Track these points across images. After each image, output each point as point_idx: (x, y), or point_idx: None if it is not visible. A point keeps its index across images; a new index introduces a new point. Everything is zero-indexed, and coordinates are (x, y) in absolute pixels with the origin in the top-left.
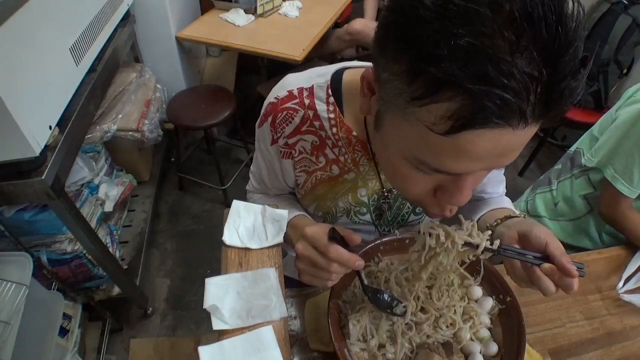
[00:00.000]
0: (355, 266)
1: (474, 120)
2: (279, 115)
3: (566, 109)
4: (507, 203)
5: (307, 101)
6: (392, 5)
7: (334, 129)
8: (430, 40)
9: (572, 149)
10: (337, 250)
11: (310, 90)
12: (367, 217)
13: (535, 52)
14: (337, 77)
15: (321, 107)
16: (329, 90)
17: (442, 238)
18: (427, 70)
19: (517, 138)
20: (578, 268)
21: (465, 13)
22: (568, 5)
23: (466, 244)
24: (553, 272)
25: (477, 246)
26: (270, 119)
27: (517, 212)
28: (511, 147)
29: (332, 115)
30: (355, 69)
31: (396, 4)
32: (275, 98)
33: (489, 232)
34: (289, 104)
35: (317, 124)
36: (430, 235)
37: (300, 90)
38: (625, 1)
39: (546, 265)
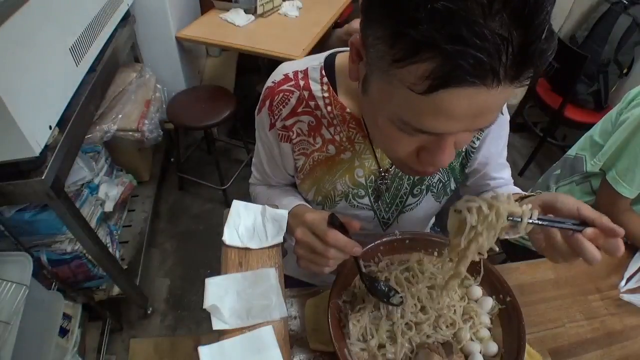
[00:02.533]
0: (352, 252)
1: (450, 78)
2: (276, 97)
3: (538, 70)
4: (516, 190)
5: (302, 82)
6: None
7: (329, 108)
8: (410, 5)
9: (572, 153)
10: (336, 236)
11: (305, 72)
12: (366, 200)
13: (507, 16)
14: (330, 59)
15: (315, 87)
16: (323, 71)
17: (486, 210)
18: (407, 33)
19: (492, 98)
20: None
21: None
22: None
23: (509, 217)
24: (597, 237)
25: (520, 219)
26: (267, 102)
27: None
28: (487, 107)
29: (326, 94)
30: (348, 52)
31: None
32: (272, 82)
33: (530, 205)
34: (285, 86)
35: (312, 104)
36: (469, 210)
37: (295, 73)
38: (625, 1)
39: (589, 230)
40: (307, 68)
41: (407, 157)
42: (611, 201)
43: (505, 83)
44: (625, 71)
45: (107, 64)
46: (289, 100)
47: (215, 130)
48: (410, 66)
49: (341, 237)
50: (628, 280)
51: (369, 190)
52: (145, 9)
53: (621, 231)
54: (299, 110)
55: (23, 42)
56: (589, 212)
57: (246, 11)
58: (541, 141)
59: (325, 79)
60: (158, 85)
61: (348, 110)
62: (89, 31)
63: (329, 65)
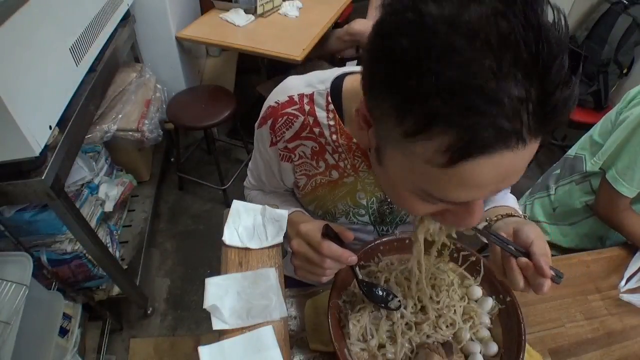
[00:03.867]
0: (348, 261)
1: (470, 150)
2: (279, 119)
3: (564, 118)
4: (511, 201)
5: (307, 107)
6: (372, 49)
7: (334, 136)
8: (414, 77)
9: (572, 153)
10: (330, 247)
11: (311, 97)
12: (366, 218)
13: (520, 74)
14: (337, 83)
15: (321, 114)
16: (329, 98)
17: None
18: (414, 109)
19: (518, 158)
20: (556, 275)
21: (443, 48)
22: (547, 17)
23: None
24: (528, 268)
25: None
26: (269, 122)
27: (520, 212)
28: (514, 168)
29: (332, 123)
30: (356, 75)
31: (375, 47)
32: (276, 102)
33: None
34: (289, 110)
35: (317, 130)
36: None
37: (301, 96)
38: (625, 1)
39: (523, 259)
40: (313, 92)
41: (433, 217)
42: (611, 200)
43: (531, 140)
44: (625, 71)
45: (107, 64)
46: (292, 124)
47: (215, 130)
48: (424, 142)
49: (336, 248)
50: (628, 280)
51: (370, 211)
52: (145, 9)
53: (548, 274)
54: (303, 134)
55: (23, 42)
56: (536, 248)
57: (246, 11)
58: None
59: (331, 106)
60: (158, 85)
61: (354, 140)
62: (89, 31)
63: (335, 91)
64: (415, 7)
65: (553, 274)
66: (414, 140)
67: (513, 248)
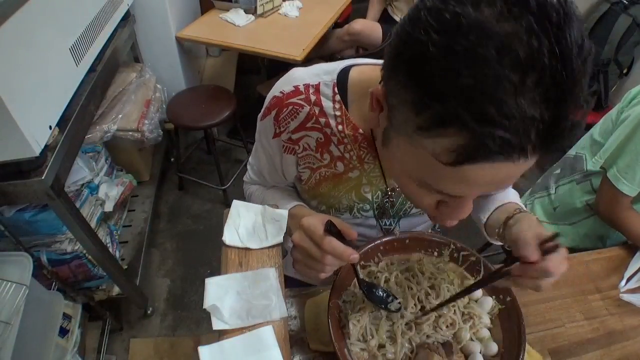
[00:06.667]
0: (349, 259)
1: (476, 156)
2: (284, 110)
3: (568, 143)
4: (512, 195)
5: (313, 97)
6: (401, 37)
7: (340, 127)
8: (437, 77)
9: (572, 152)
10: (331, 243)
11: (317, 87)
12: (370, 213)
13: (539, 96)
14: (343, 74)
15: (327, 104)
16: (335, 88)
17: None
18: (433, 106)
19: (517, 168)
20: (552, 240)
21: (473, 54)
22: (575, 46)
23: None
24: (524, 268)
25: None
26: (274, 112)
27: (522, 206)
28: (510, 176)
29: (338, 113)
30: (362, 66)
31: (405, 37)
32: (281, 92)
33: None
34: (294, 99)
35: (322, 120)
36: None
37: (307, 86)
38: (625, 1)
39: (515, 266)
40: (319, 83)
41: (426, 207)
42: (612, 199)
43: (532, 156)
44: (625, 71)
45: (107, 64)
46: (297, 114)
47: (215, 130)
48: (435, 138)
49: (337, 245)
50: (628, 280)
51: (374, 206)
52: (145, 9)
53: (533, 258)
54: (308, 125)
55: (23, 42)
56: (520, 241)
57: (246, 11)
58: None
59: (337, 97)
60: (158, 85)
61: (360, 130)
62: (89, 31)
63: (342, 81)
64: (453, 7)
65: (549, 245)
66: (426, 135)
67: (505, 264)
